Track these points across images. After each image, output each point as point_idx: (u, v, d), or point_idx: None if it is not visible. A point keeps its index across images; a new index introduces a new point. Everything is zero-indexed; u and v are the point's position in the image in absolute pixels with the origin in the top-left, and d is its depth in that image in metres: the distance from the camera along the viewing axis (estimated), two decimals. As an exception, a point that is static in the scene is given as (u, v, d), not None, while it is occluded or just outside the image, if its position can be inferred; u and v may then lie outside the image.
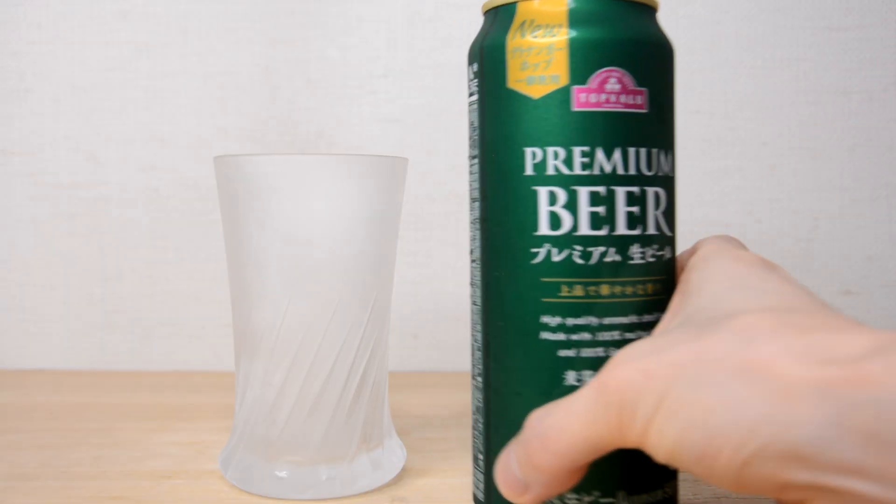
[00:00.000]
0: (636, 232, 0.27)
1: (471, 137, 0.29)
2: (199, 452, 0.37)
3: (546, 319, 0.27)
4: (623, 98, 0.26)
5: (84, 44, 0.56)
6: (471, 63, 0.29)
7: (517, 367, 0.27)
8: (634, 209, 0.27)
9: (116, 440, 0.39)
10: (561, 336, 0.27)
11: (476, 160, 0.29)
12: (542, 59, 0.26)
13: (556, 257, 0.27)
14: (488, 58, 0.28)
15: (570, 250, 0.26)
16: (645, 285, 0.27)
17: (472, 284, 0.30)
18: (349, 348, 0.32)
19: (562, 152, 0.26)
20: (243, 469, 0.32)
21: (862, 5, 0.55)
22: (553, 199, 0.26)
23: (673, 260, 0.28)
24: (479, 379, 0.30)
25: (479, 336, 0.30)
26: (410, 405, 0.46)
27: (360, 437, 0.33)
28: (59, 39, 0.56)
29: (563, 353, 0.26)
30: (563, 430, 0.22)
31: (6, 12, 0.56)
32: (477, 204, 0.29)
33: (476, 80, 0.29)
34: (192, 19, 0.56)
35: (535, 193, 0.27)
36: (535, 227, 0.27)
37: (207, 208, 0.56)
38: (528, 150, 0.27)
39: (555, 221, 0.26)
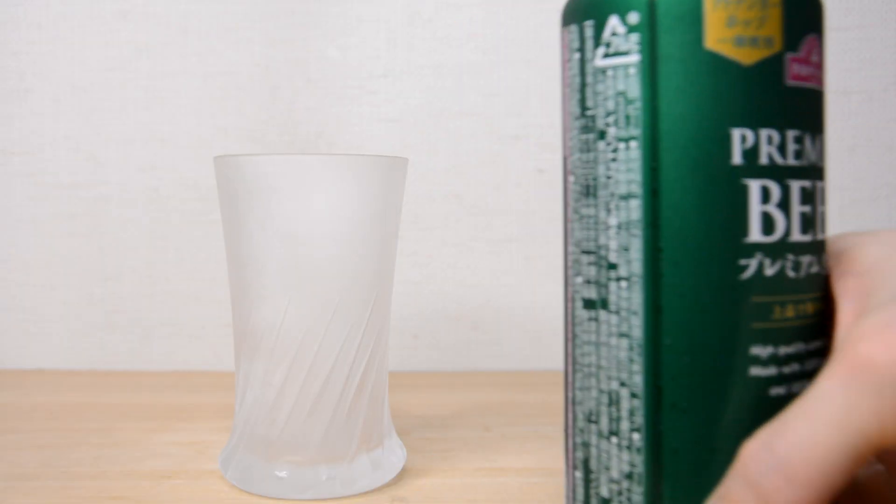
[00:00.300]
0: (822, 237, 0.22)
1: (618, 113, 0.23)
2: (199, 452, 0.37)
3: (757, 351, 0.21)
4: (820, 73, 0.22)
5: (84, 44, 0.56)
6: (619, 12, 0.22)
7: (714, 417, 0.21)
8: (823, 209, 0.22)
9: (116, 440, 0.39)
10: (772, 370, 0.21)
11: (633, 143, 0.22)
12: (754, 14, 0.21)
13: (769, 270, 0.21)
14: (669, 6, 0.21)
15: (783, 261, 0.21)
16: (825, 300, 0.22)
17: (614, 311, 0.23)
18: (349, 348, 0.32)
19: (776, 136, 0.21)
20: (243, 469, 0.32)
21: (862, 5, 0.55)
22: (766, 196, 0.21)
23: None
24: (637, 436, 0.23)
25: (638, 379, 0.23)
26: (410, 405, 0.46)
27: (360, 437, 0.33)
28: (59, 39, 0.56)
29: (775, 391, 0.21)
30: (814, 444, 0.17)
31: (6, 12, 0.56)
32: (634, 202, 0.22)
33: (636, 36, 0.22)
34: (192, 19, 0.56)
35: (745, 188, 0.21)
36: (744, 231, 0.21)
37: (207, 208, 0.56)
38: (737, 133, 0.21)
39: (768, 224, 0.21)
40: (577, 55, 0.24)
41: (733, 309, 0.21)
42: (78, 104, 0.56)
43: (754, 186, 0.21)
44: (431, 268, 0.56)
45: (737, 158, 0.21)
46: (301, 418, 0.32)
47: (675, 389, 0.22)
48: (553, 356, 0.57)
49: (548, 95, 0.55)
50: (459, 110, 0.56)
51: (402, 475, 0.34)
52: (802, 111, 0.22)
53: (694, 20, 0.21)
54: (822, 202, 0.22)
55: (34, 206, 0.56)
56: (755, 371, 0.21)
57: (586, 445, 0.24)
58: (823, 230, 0.23)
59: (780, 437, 0.18)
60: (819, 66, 0.22)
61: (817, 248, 0.22)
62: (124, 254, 0.56)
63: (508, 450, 0.38)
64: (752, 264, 0.21)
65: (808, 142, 0.22)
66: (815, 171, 0.22)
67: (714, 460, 0.21)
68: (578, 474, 0.24)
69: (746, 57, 0.21)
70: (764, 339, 0.21)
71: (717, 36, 0.21)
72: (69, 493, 0.32)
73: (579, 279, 0.24)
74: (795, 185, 0.21)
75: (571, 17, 0.24)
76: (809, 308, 0.22)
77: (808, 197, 0.22)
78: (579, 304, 0.24)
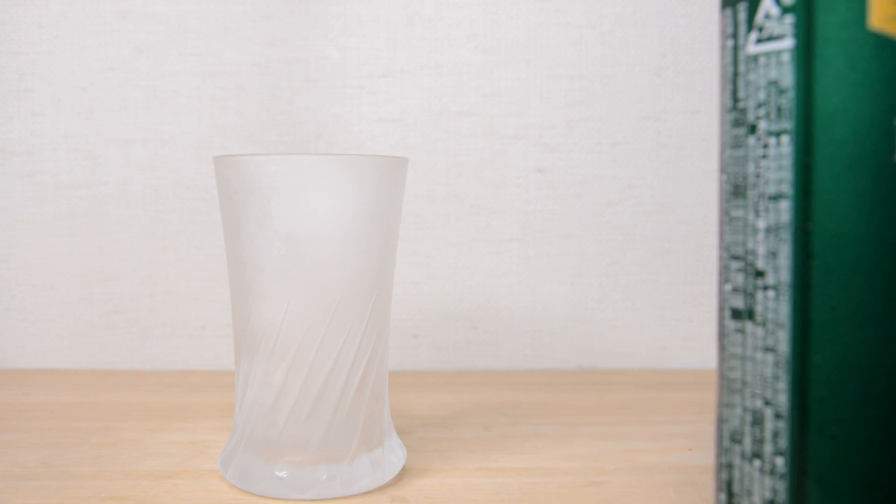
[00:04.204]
0: None
1: (770, 104, 0.21)
2: (199, 452, 0.37)
3: None
4: None
5: (84, 44, 0.56)
6: None
7: (865, 445, 0.20)
8: None
9: (116, 440, 0.39)
10: None
11: (785, 138, 0.20)
12: None
13: None
14: None
15: None
16: None
17: (757, 322, 0.21)
18: (349, 348, 0.32)
19: None
20: (243, 469, 0.32)
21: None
22: None
23: None
24: (780, 460, 0.21)
25: (783, 399, 0.21)
26: (410, 405, 0.46)
27: (360, 437, 0.33)
28: (59, 39, 0.56)
29: None
30: None
31: (6, 12, 0.56)
32: (785, 203, 0.20)
33: (790, 17, 0.20)
34: (192, 19, 0.56)
35: None
36: None
37: (207, 208, 0.56)
38: None
39: None
40: (730, 42, 0.22)
41: (893, 326, 0.19)
42: (78, 104, 0.56)
43: None
44: (431, 268, 0.56)
45: None
46: (301, 418, 0.32)
47: (823, 412, 0.20)
48: (553, 356, 0.57)
49: (548, 95, 0.55)
50: (459, 110, 0.56)
51: (402, 475, 0.34)
52: None
53: None
54: None
55: (34, 206, 0.56)
56: None
57: (730, 467, 0.22)
58: None
59: None
60: None
61: None
62: (124, 254, 0.56)
63: (508, 450, 0.38)
64: None
65: None
66: None
67: (862, 494, 0.19)
68: (723, 497, 0.22)
69: None
70: None
71: (885, 13, 0.19)
72: (69, 493, 0.32)
73: (728, 286, 0.22)
74: None
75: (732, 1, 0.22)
76: None
77: None
78: (728, 313, 0.22)
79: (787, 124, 0.20)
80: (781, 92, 0.20)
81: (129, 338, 0.57)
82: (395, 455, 0.34)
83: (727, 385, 0.22)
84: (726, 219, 0.22)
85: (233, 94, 0.56)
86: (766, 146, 0.21)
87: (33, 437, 0.39)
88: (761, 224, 0.21)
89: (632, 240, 0.56)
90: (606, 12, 0.55)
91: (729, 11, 0.22)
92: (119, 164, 0.56)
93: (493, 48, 0.55)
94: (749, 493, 0.22)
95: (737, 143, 0.21)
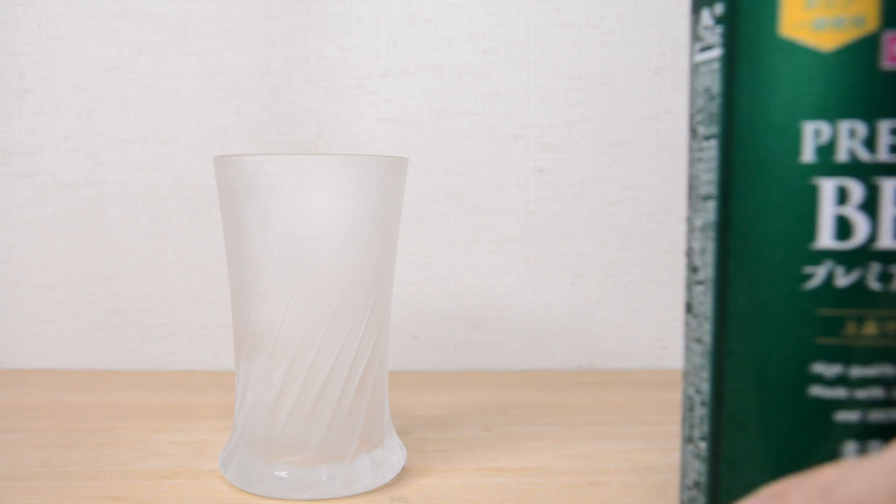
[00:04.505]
0: None
1: (704, 110, 0.22)
2: (199, 452, 0.37)
3: (820, 369, 0.20)
4: None
5: (84, 44, 0.56)
6: (709, 3, 0.21)
7: (770, 435, 0.20)
8: None
9: (116, 440, 0.39)
10: (841, 393, 0.19)
11: (714, 142, 0.21)
12: None
13: (842, 280, 0.19)
14: None
15: (864, 270, 0.19)
16: None
17: (693, 314, 0.23)
18: (349, 348, 0.32)
19: (861, 129, 0.19)
20: (243, 469, 0.32)
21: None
22: (843, 197, 0.19)
23: None
24: (703, 445, 0.22)
25: (705, 387, 0.22)
26: (410, 405, 0.46)
27: (360, 437, 0.33)
28: (58, 39, 0.56)
29: (842, 416, 0.19)
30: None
31: (6, 12, 0.56)
32: (711, 203, 0.22)
33: (720, 28, 0.21)
34: (192, 19, 0.56)
35: (814, 189, 0.19)
36: (811, 236, 0.20)
37: (207, 208, 0.56)
38: (809, 126, 0.19)
39: (843, 229, 0.19)
40: (689, 51, 0.23)
41: (796, 320, 0.19)
42: (78, 104, 0.56)
43: (827, 186, 0.19)
44: (431, 268, 0.56)
45: (808, 156, 0.19)
46: (301, 418, 0.32)
47: (735, 401, 0.21)
48: (553, 356, 0.57)
49: (548, 95, 0.55)
50: (459, 110, 0.56)
51: (402, 475, 0.34)
52: None
53: (770, 5, 0.19)
54: None
55: (34, 206, 0.56)
56: (816, 391, 0.19)
57: (681, 451, 0.24)
58: None
59: (846, 481, 0.16)
60: None
61: None
62: (124, 254, 0.56)
63: (508, 450, 0.38)
64: (820, 273, 0.19)
65: None
66: None
67: (766, 482, 0.20)
68: (677, 478, 0.23)
69: (827, 41, 0.19)
70: (830, 356, 0.19)
71: (794, 21, 0.19)
72: (69, 493, 0.32)
73: (685, 283, 0.23)
74: (890, 185, 0.19)
75: (692, 11, 0.24)
76: None
77: None
78: (685, 308, 0.23)
79: (715, 129, 0.21)
80: (712, 98, 0.21)
81: (129, 338, 0.57)
82: (395, 455, 0.34)
83: (684, 375, 0.24)
84: (687, 220, 0.24)
85: (233, 94, 0.56)
86: (701, 150, 0.22)
87: (33, 437, 0.39)
88: (698, 223, 0.22)
89: (632, 240, 0.56)
90: (606, 12, 0.55)
91: (692, 22, 0.23)
92: (119, 164, 0.56)
93: (493, 48, 0.55)
94: (685, 475, 0.23)
95: (689, 148, 0.23)
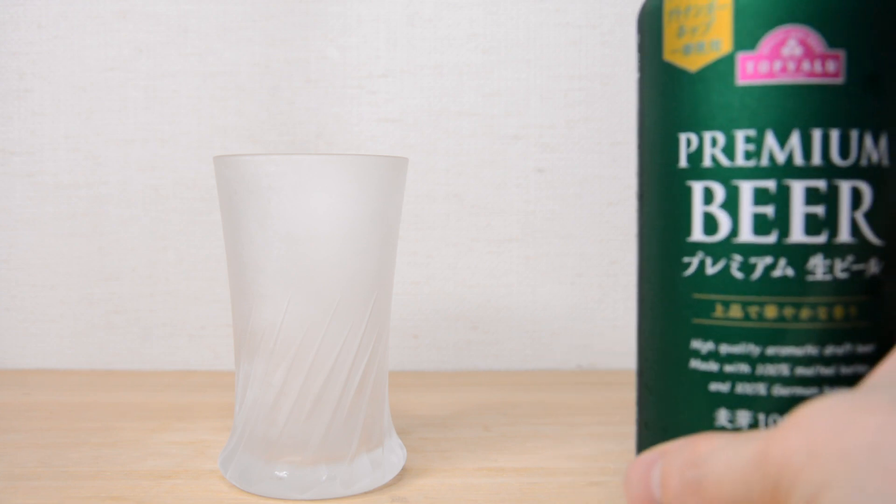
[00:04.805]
0: (819, 240, 0.21)
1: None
2: (199, 452, 0.37)
3: (696, 345, 0.22)
4: (806, 65, 0.21)
5: (84, 44, 0.56)
6: (639, 33, 0.24)
7: (665, 400, 0.24)
8: (818, 210, 0.21)
9: (116, 440, 0.39)
10: (713, 366, 0.22)
11: (638, 151, 0.25)
12: (701, 20, 0.22)
13: (711, 269, 0.22)
14: (646, 26, 0.23)
15: (727, 261, 0.22)
16: (831, 308, 0.21)
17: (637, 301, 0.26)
18: (349, 348, 0.32)
19: (721, 138, 0.22)
20: (243, 469, 0.32)
21: None
22: (709, 197, 0.22)
23: (885, 276, 0.22)
24: (637, 410, 0.26)
25: (638, 361, 0.26)
26: (410, 405, 0.46)
27: (360, 437, 0.33)
28: (59, 39, 0.56)
29: (714, 386, 0.22)
30: (721, 483, 0.18)
31: (6, 12, 0.56)
32: (637, 204, 0.25)
33: (638, 56, 0.24)
34: (192, 19, 0.56)
35: (688, 190, 0.22)
36: (687, 231, 0.23)
37: (207, 208, 0.56)
38: (683, 137, 0.22)
39: (710, 225, 0.22)
40: None
41: (678, 303, 0.23)
42: (77, 104, 0.56)
43: (697, 188, 0.22)
44: (431, 268, 0.56)
45: (683, 162, 0.23)
46: (301, 418, 0.32)
47: (646, 370, 0.25)
48: (553, 356, 0.57)
49: (548, 95, 0.55)
50: (459, 110, 0.56)
51: (402, 475, 0.34)
52: (761, 109, 0.21)
53: (657, 35, 0.23)
54: (859, 204, 0.21)
55: (34, 206, 0.56)
56: (694, 364, 0.23)
57: None
58: (859, 234, 0.21)
59: (714, 458, 0.18)
60: (805, 58, 0.21)
61: (796, 251, 0.21)
62: (124, 254, 0.56)
63: (508, 450, 0.38)
64: (694, 262, 0.23)
65: (770, 140, 0.21)
66: (789, 170, 0.21)
67: (665, 441, 0.22)
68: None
69: (693, 63, 0.22)
70: (704, 334, 0.22)
71: (671, 47, 0.23)
72: (69, 493, 0.32)
73: None
74: (747, 186, 0.21)
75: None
76: (769, 311, 0.21)
77: (768, 198, 0.21)
78: None
79: (637, 140, 0.25)
80: (638, 114, 0.25)
81: (129, 338, 0.57)
82: (395, 455, 0.34)
83: None
84: None
85: (233, 94, 0.56)
86: (637, 161, 0.26)
87: (33, 437, 0.39)
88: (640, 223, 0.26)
89: (632, 240, 0.56)
90: (606, 12, 0.55)
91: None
92: (119, 164, 0.56)
93: (493, 48, 0.55)
94: (638, 447, 0.27)
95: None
